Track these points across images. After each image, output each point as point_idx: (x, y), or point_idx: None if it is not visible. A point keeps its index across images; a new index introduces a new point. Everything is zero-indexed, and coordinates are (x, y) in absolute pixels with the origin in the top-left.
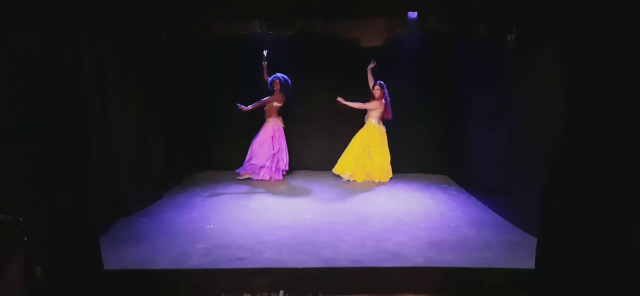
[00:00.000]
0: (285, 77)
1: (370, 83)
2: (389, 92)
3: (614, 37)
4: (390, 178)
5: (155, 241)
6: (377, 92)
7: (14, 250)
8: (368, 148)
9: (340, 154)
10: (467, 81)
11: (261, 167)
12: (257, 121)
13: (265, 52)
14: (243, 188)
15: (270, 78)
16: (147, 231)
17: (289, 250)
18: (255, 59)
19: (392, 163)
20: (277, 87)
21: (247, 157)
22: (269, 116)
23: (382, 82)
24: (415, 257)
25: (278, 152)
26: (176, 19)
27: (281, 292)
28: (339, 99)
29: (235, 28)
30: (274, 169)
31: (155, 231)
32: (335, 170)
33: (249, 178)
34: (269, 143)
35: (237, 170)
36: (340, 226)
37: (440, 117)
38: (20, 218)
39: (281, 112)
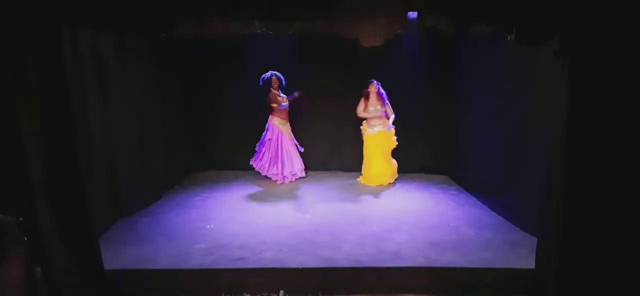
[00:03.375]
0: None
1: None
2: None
3: (613, 37)
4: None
5: (155, 241)
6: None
7: (14, 250)
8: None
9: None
10: (467, 81)
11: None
12: (257, 121)
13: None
14: (243, 188)
15: (265, 75)
16: (147, 231)
17: (289, 250)
18: (255, 58)
19: None
20: (276, 85)
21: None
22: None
23: (372, 80)
24: (415, 257)
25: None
26: (176, 19)
27: (281, 292)
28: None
29: (236, 27)
30: (287, 173)
31: (155, 231)
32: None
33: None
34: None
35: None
36: (340, 226)
37: (440, 117)
38: (20, 218)
39: (279, 113)
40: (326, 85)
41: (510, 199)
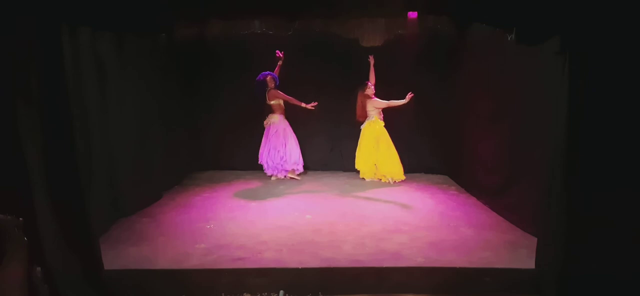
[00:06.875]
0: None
1: (373, 80)
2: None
3: (614, 36)
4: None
5: (155, 241)
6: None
7: (14, 250)
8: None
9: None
10: (468, 81)
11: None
12: (257, 121)
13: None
14: (243, 188)
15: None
16: (147, 231)
17: (289, 250)
18: (255, 58)
19: None
20: (272, 85)
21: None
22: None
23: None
24: (415, 257)
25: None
26: (176, 18)
27: (281, 292)
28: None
29: (236, 28)
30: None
31: (155, 231)
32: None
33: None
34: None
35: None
36: (340, 226)
37: (440, 117)
38: (20, 218)
39: (276, 110)
40: (326, 86)
41: (510, 199)
